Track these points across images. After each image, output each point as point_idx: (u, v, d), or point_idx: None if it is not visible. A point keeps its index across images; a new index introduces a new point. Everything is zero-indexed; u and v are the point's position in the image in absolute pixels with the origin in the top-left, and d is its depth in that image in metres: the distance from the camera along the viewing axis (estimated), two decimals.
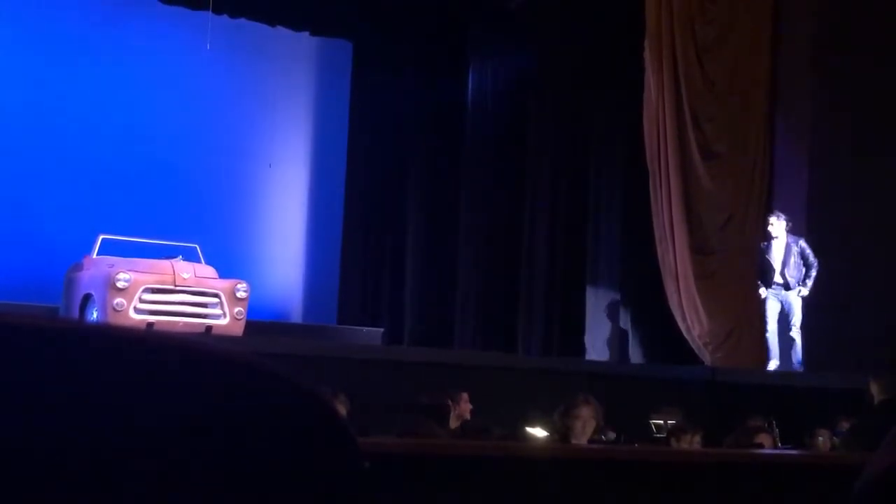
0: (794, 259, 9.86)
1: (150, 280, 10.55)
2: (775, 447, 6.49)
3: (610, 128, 13.23)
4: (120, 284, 10.26)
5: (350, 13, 14.27)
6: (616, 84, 12.88)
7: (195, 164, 14.23)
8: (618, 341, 12.55)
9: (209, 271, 11.28)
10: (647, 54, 11.64)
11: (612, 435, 6.60)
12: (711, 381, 9.79)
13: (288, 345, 10.75)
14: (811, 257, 9.89)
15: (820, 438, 7.12)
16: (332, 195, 15.07)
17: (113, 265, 10.77)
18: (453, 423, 6.90)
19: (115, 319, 10.15)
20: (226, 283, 10.97)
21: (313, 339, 12.85)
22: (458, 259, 14.41)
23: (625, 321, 12.57)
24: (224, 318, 10.76)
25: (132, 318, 10.25)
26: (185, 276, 10.75)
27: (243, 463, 0.85)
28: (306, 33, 14.80)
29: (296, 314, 14.23)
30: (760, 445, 6.13)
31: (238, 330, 10.83)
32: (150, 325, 10.18)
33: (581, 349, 12.71)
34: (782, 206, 11.19)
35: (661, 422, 7.45)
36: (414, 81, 14.61)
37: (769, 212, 11.12)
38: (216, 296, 10.79)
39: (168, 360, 0.83)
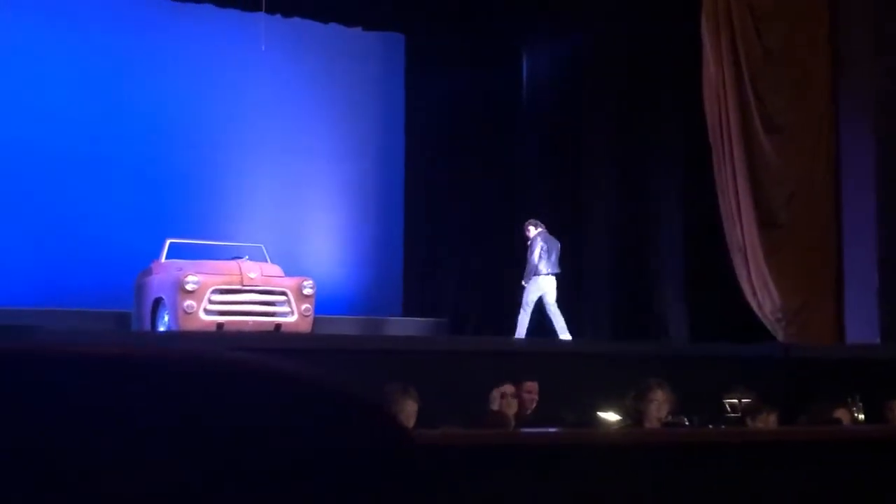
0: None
1: (219, 281, 10.64)
2: (854, 422, 6.43)
3: (668, 107, 13.04)
4: (189, 287, 10.37)
5: (401, 6, 14.33)
6: (673, 63, 12.66)
7: (256, 164, 14.39)
8: (687, 322, 12.37)
9: (275, 270, 11.34)
10: (703, 29, 11.48)
11: (684, 418, 6.53)
12: (785, 357, 9.64)
13: (356, 340, 10.90)
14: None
15: None
16: (391, 189, 15.13)
17: (181, 268, 10.88)
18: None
19: (185, 322, 10.33)
20: (292, 281, 11.02)
21: (380, 333, 13.15)
22: (519, 246, 14.39)
23: (693, 301, 12.37)
24: (292, 315, 10.83)
25: (202, 320, 10.40)
26: (252, 275, 10.84)
27: (311, 473, 0.88)
28: (359, 29, 14.84)
29: (361, 308, 14.19)
30: (839, 421, 6.07)
31: (306, 326, 10.92)
32: (219, 325, 10.49)
33: (649, 332, 12.58)
34: (851, 174, 10.96)
35: (735, 401, 7.37)
36: (468, 71, 14.48)
37: (838, 181, 10.97)
38: (283, 294, 10.87)
39: (234, 381, 0.86)
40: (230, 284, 10.68)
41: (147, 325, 10.89)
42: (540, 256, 11.56)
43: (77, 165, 13.41)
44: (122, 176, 13.64)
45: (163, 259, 11.60)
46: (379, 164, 15.13)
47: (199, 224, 13.51)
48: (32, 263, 12.95)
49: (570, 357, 9.35)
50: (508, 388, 6.83)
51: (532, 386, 7.66)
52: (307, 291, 10.95)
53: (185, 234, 12.57)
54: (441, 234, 14.61)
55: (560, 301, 11.73)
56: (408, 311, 14.62)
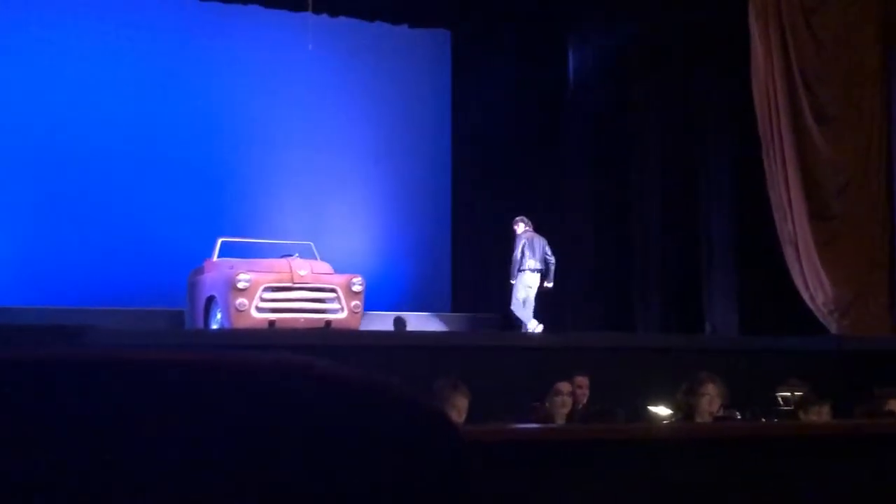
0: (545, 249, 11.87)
1: (270, 279, 10.67)
2: None
3: (717, 99, 12.89)
4: (241, 285, 10.43)
5: (447, 3, 14.38)
6: (720, 54, 12.55)
7: (304, 163, 14.42)
8: (738, 315, 12.21)
9: (325, 267, 11.40)
10: (752, 20, 11.33)
11: (736, 412, 6.49)
12: (838, 349, 9.54)
13: (406, 336, 11.16)
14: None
15: None
16: (439, 185, 15.16)
17: (233, 267, 10.94)
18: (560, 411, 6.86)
19: (237, 319, 10.39)
20: (342, 278, 11.09)
21: (430, 328, 13.10)
22: (568, 240, 14.21)
23: (745, 294, 12.22)
24: (342, 311, 10.90)
25: (254, 317, 10.45)
26: (303, 273, 10.89)
27: (355, 471, 0.89)
28: (405, 26, 14.89)
29: (411, 304, 14.19)
30: (893, 414, 5.93)
31: (356, 323, 10.99)
32: (271, 323, 10.52)
33: (701, 325, 12.48)
34: None
35: (788, 394, 7.30)
36: (515, 65, 14.43)
37: (890, 171, 10.81)
38: (333, 290, 10.94)
39: (287, 384, 0.87)
40: (281, 282, 10.71)
41: (200, 323, 10.97)
42: (523, 253, 11.81)
43: (130, 166, 13.53)
44: (175, 176, 13.77)
45: (215, 258, 11.69)
46: (426, 160, 15.16)
47: (250, 223, 13.61)
48: (87, 263, 13.07)
49: (622, 351, 9.30)
50: (565, 386, 6.81)
51: (583, 381, 7.65)
52: (356, 288, 11.01)
53: (237, 233, 12.61)
54: (489, 229, 14.64)
55: (608, 294, 11.65)
56: (457, 307, 14.67)
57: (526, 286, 11.82)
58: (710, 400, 5.89)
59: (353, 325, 10.91)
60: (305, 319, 10.65)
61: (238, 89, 14.07)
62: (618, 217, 13.64)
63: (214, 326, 10.67)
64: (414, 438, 0.92)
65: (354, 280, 11.06)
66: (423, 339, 9.73)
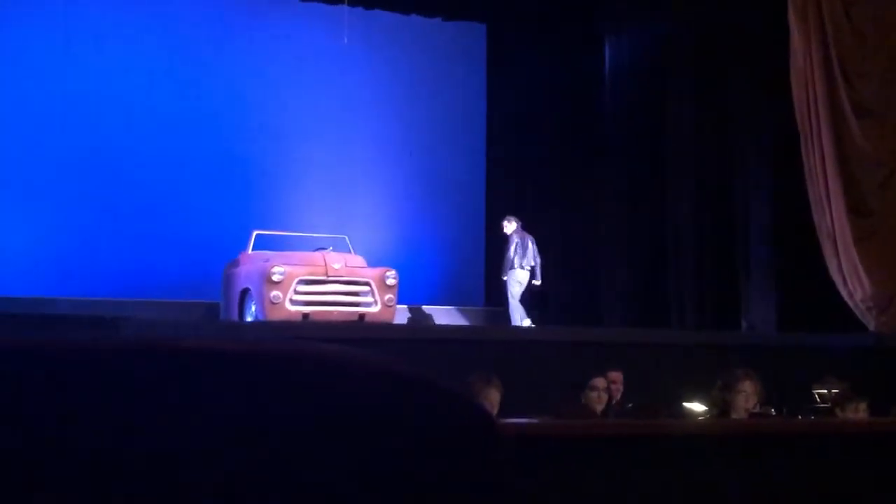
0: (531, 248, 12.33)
1: (304, 272, 10.75)
2: None
3: (754, 93, 12.77)
4: (275, 278, 10.50)
5: None
6: (758, 48, 12.40)
7: (339, 156, 14.44)
8: (775, 311, 12.09)
9: (359, 261, 11.48)
10: (791, 13, 11.17)
11: (772, 409, 6.43)
12: (876, 347, 9.48)
13: (439, 329, 11.28)
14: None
15: None
16: (473, 178, 15.18)
17: (268, 259, 11.01)
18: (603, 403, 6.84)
19: (272, 312, 10.47)
20: (375, 272, 11.15)
21: (463, 322, 13.17)
22: (603, 235, 14.24)
23: (781, 290, 12.08)
24: (375, 305, 10.95)
25: (288, 310, 10.52)
26: (337, 266, 10.97)
27: (391, 463, 0.90)
28: (439, 19, 14.90)
29: (444, 298, 14.19)
30: None
31: (389, 316, 11.03)
32: (305, 315, 10.62)
33: (737, 321, 12.40)
34: None
35: (825, 391, 7.24)
36: (549, 60, 14.39)
37: None
38: (367, 284, 11.00)
39: (313, 371, 0.89)
40: (315, 275, 10.79)
41: (234, 316, 11.03)
42: (515, 251, 12.25)
43: (166, 159, 13.60)
44: (210, 169, 13.81)
45: (249, 250, 11.77)
46: (461, 153, 15.16)
47: (284, 216, 13.66)
48: (123, 255, 13.14)
49: (656, 347, 9.25)
50: (600, 382, 6.80)
51: (617, 376, 7.56)
52: (390, 282, 11.06)
53: (272, 226, 12.68)
54: (523, 223, 14.59)
55: (643, 289, 11.54)
56: (490, 301, 14.62)
57: (517, 282, 12.25)
58: (747, 397, 5.84)
59: (386, 318, 10.96)
60: (339, 312, 10.74)
61: (273, 82, 14.11)
62: (653, 211, 13.50)
63: (249, 319, 10.73)
64: (450, 430, 0.92)
65: (388, 274, 11.11)
66: (456, 333, 9.73)
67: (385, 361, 0.91)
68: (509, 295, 12.25)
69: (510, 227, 12.48)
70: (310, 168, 14.33)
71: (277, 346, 0.88)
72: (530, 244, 12.42)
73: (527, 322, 12.01)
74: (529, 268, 12.33)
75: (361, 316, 10.87)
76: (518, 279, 12.26)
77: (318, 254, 11.27)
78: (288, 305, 10.53)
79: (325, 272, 10.87)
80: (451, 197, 15.04)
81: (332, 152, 14.44)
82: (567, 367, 7.90)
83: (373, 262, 11.66)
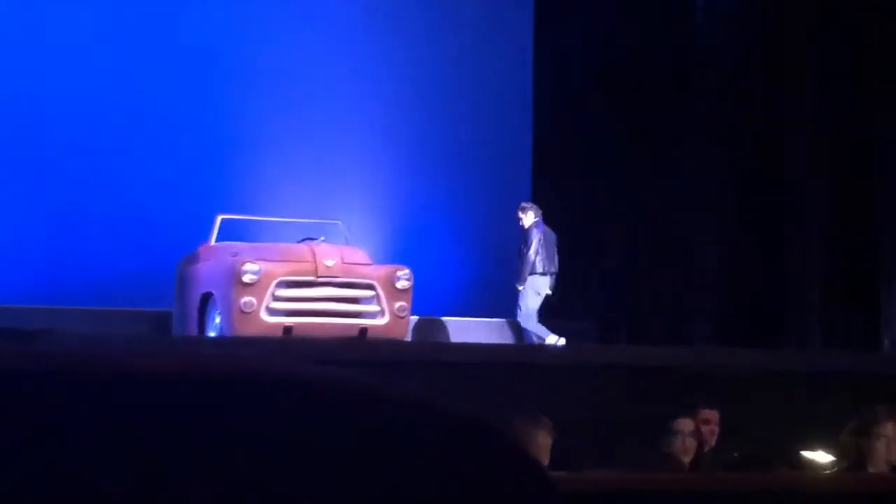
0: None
1: (286, 270, 10.78)
2: None
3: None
4: (247, 278, 10.52)
5: None
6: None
7: (332, 121, 14.68)
8: None
9: (360, 255, 11.48)
10: None
11: None
12: None
13: (467, 350, 11.04)
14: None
15: None
16: (517, 160, 15.31)
17: (237, 253, 11.00)
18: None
19: (242, 324, 10.48)
20: (382, 270, 11.17)
21: (500, 341, 13.01)
22: (691, 229, 14.36)
23: None
24: (382, 316, 10.95)
25: (265, 322, 10.54)
26: (330, 262, 10.94)
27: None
28: None
29: (476, 307, 14.24)
30: None
31: (401, 331, 11.11)
32: (287, 329, 10.65)
33: (876, 343, 12.46)
34: None
35: None
36: (614, 25, 14.73)
37: None
38: (370, 287, 11.00)
39: (351, 408, 0.99)
40: (301, 275, 10.84)
41: (192, 329, 11.13)
42: (538, 251, 12.48)
43: (101, 126, 13.77)
44: (161, 137, 14.02)
45: (213, 241, 11.75)
46: (502, 128, 15.38)
47: (258, 196, 13.76)
48: (48, 252, 13.30)
49: (766, 376, 9.26)
50: (686, 424, 6.74)
51: (711, 415, 7.50)
52: (402, 284, 11.07)
53: (241, 209, 12.73)
54: (580, 217, 14.71)
55: (749, 299, 11.41)
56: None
57: (536, 292, 12.55)
58: (888, 443, 5.79)
59: (397, 333, 11.01)
60: (332, 326, 10.79)
61: (247, 24, 14.51)
62: (760, 199, 13.65)
63: (212, 333, 10.81)
64: (497, 485, 0.98)
65: (399, 273, 11.10)
66: (491, 354, 9.86)
67: (428, 396, 0.99)
68: (526, 309, 12.53)
69: (529, 217, 12.68)
70: (294, 134, 14.49)
71: (300, 370, 1.00)
72: (553, 242, 12.70)
73: (554, 339, 12.21)
74: (552, 274, 12.63)
75: (363, 330, 10.90)
76: (538, 288, 12.56)
77: (304, 246, 11.31)
78: (264, 316, 10.57)
79: (315, 271, 10.90)
80: (489, 179, 15.19)
81: (322, 115, 14.64)
82: (639, 401, 8.04)
83: (378, 258, 11.76)
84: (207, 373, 0.98)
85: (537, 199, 14.06)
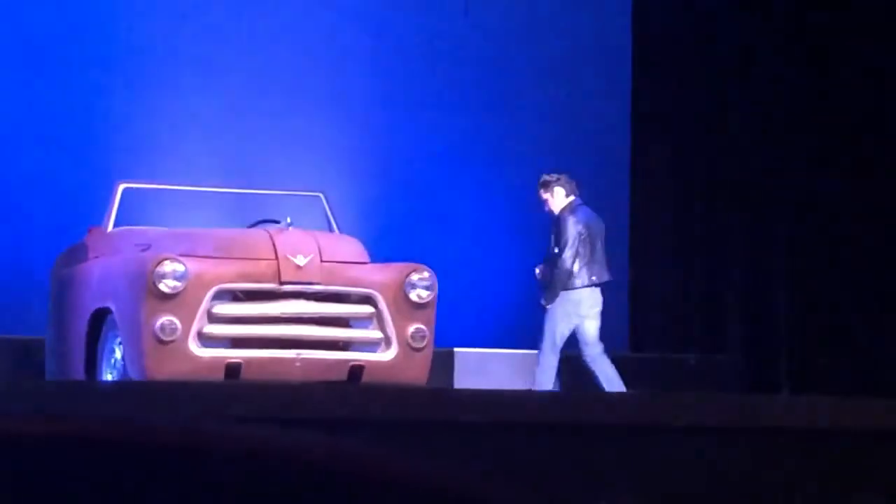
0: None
1: (230, 273, 10.88)
2: None
3: None
4: (166, 286, 10.55)
5: None
6: None
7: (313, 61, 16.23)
8: None
9: (350, 248, 11.59)
10: None
11: None
12: None
13: (523, 402, 10.63)
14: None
15: None
16: (612, 150, 16.70)
17: (149, 245, 11.28)
18: None
19: (159, 360, 10.54)
20: (387, 273, 11.28)
21: (588, 390, 13.13)
22: (840, 233, 15.31)
23: None
24: (387, 346, 11.04)
25: (195, 356, 10.60)
26: (302, 260, 10.96)
27: None
28: None
29: (515, 332, 14.65)
30: None
31: (417, 371, 11.20)
32: (232, 368, 10.71)
33: None
34: None
35: None
36: None
37: None
38: (368, 301, 11.10)
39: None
40: (254, 280, 10.95)
41: (78, 369, 11.21)
42: (577, 252, 12.82)
43: None
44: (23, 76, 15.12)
45: (110, 225, 11.77)
46: (590, 113, 16.72)
47: (179, 156, 14.74)
48: None
49: None
50: None
51: None
52: (418, 295, 11.15)
53: (155, 176, 13.27)
54: (701, 218, 15.93)
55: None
56: (643, 345, 15.79)
57: (568, 313, 12.82)
58: None
59: (409, 374, 11.09)
60: (307, 363, 10.89)
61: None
62: None
63: (109, 376, 10.91)
64: None
65: (415, 277, 11.17)
66: (546, 410, 9.71)
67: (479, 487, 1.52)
68: (548, 341, 12.83)
69: (558, 196, 12.99)
70: (240, 71, 15.84)
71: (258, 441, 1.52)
72: (601, 234, 13.11)
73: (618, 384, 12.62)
74: (598, 285, 12.93)
75: (356, 370, 10.94)
76: (572, 308, 12.87)
77: (259, 234, 11.40)
78: (194, 347, 10.60)
79: (276, 274, 10.91)
80: (552, 149, 16.05)
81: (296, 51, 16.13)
82: (805, 482, 8.60)
83: (379, 254, 11.90)
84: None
85: (634, 192, 15.62)
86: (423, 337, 11.01)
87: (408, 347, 10.94)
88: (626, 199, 16.57)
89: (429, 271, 11.24)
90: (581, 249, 12.75)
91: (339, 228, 12.20)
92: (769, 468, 9.15)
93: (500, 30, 17.20)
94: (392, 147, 16.25)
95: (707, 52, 17.06)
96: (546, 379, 12.64)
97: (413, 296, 10.99)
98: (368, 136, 16.18)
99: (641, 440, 9.00)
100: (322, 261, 10.98)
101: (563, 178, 12.98)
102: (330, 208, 12.38)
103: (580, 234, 12.76)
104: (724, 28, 17.13)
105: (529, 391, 12.29)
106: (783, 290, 15.83)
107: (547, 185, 12.90)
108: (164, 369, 10.35)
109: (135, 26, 15.76)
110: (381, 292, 10.95)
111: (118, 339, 10.72)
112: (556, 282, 12.74)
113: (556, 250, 12.76)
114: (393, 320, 10.91)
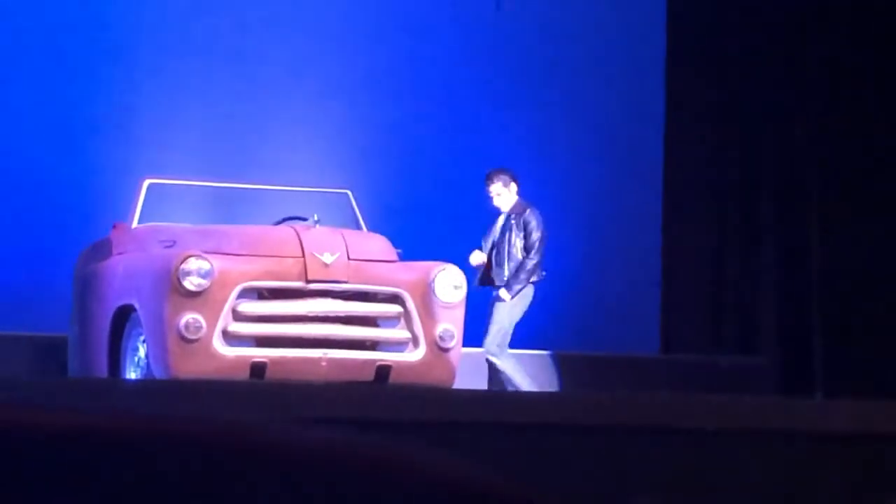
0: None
1: (255, 271, 10.88)
2: None
3: None
4: (191, 283, 10.52)
5: None
6: None
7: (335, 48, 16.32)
8: None
9: (378, 246, 11.57)
10: None
11: None
12: None
13: (559, 403, 10.91)
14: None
15: None
16: (643, 136, 16.81)
17: (174, 242, 11.29)
18: None
19: (183, 358, 10.53)
20: (416, 273, 11.26)
21: (619, 391, 13.19)
22: (876, 235, 15.17)
23: None
24: (415, 346, 11.03)
25: (220, 354, 10.60)
26: (329, 258, 10.94)
27: None
28: None
29: (574, 337, 14.85)
30: None
31: (445, 372, 11.17)
32: (257, 368, 10.72)
33: None
34: None
35: None
36: None
37: None
38: (396, 300, 11.10)
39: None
40: (280, 279, 10.92)
41: (100, 365, 11.22)
42: (541, 247, 13.25)
43: None
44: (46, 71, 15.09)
45: (135, 221, 11.80)
46: (622, 112, 16.90)
47: (206, 154, 14.79)
48: None
49: None
50: None
51: None
52: (448, 295, 11.13)
53: (181, 172, 13.23)
54: (734, 219, 15.94)
55: None
56: (673, 346, 15.80)
57: (524, 307, 13.31)
58: None
59: (437, 375, 11.07)
60: (333, 363, 10.86)
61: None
62: None
63: (133, 373, 10.91)
64: None
65: (442, 276, 11.15)
66: (594, 410, 9.51)
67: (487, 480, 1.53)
68: (502, 328, 13.04)
69: (513, 191, 13.29)
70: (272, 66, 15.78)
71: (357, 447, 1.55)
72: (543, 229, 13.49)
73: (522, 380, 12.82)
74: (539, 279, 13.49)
75: (383, 370, 10.92)
76: (527, 300, 13.29)
77: (286, 231, 11.36)
78: (219, 345, 10.57)
79: (303, 272, 10.89)
80: (601, 157, 16.46)
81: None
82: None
83: (408, 252, 11.83)
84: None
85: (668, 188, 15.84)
86: (452, 337, 11.00)
87: (436, 347, 10.94)
88: (659, 200, 16.71)
89: (458, 270, 11.27)
90: (542, 245, 13.14)
91: (366, 226, 12.25)
92: (801, 472, 9.10)
93: (531, 26, 17.20)
94: (422, 145, 16.30)
95: (742, 49, 16.97)
96: (523, 374, 12.82)
97: (441, 294, 11.00)
98: (397, 133, 16.26)
99: (671, 442, 8.98)
100: (349, 259, 10.97)
101: (506, 175, 13.27)
102: (357, 206, 12.47)
103: (543, 232, 13.13)
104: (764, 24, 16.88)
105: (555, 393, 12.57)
106: (817, 292, 15.89)
107: (505, 181, 13.08)
108: (188, 368, 10.35)
109: (162, 22, 15.79)
110: (409, 291, 10.97)
111: (142, 337, 10.75)
112: (522, 275, 12.95)
113: (524, 243, 13.00)
114: (421, 320, 10.92)
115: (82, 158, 14.41)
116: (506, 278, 12.98)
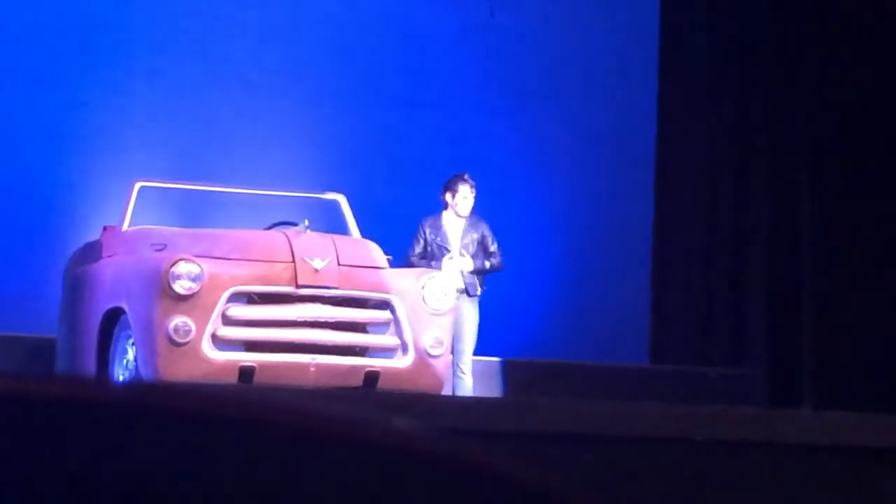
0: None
1: (245, 275, 10.88)
2: None
3: None
4: (181, 287, 10.54)
5: None
6: None
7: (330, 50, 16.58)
8: None
9: (368, 252, 11.57)
10: None
11: None
12: None
13: (548, 412, 10.33)
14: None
15: None
16: (635, 138, 17.03)
17: (164, 245, 11.26)
18: None
19: (172, 362, 10.53)
20: (406, 280, 11.33)
21: (606, 400, 12.74)
22: (867, 248, 15.26)
23: None
24: (404, 353, 11.06)
25: (208, 359, 10.59)
26: (319, 264, 10.94)
27: None
28: None
29: (563, 344, 15.06)
30: None
31: (434, 379, 11.22)
32: (245, 371, 10.72)
33: None
34: None
35: None
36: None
37: None
38: (385, 306, 11.14)
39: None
40: (270, 283, 10.96)
41: (89, 369, 11.17)
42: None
43: None
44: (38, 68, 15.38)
45: (126, 224, 11.83)
46: (615, 119, 17.32)
47: (198, 157, 14.96)
48: None
49: None
50: None
51: None
52: (439, 303, 11.18)
53: (171, 174, 13.37)
54: (724, 229, 16.11)
55: None
56: (662, 357, 15.85)
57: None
58: None
59: (426, 382, 11.08)
60: (321, 369, 10.87)
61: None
62: None
63: (122, 375, 10.93)
64: None
65: (431, 282, 11.22)
66: (596, 420, 9.46)
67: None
68: (472, 333, 13.18)
69: (467, 200, 13.31)
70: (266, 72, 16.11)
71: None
72: None
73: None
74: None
75: (371, 376, 10.93)
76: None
77: (276, 236, 11.42)
78: (207, 349, 10.60)
79: (293, 277, 10.93)
80: (586, 162, 16.90)
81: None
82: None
83: (398, 260, 12.08)
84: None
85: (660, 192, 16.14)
86: (441, 344, 11.07)
87: (425, 354, 10.97)
88: (650, 211, 16.77)
89: (448, 278, 11.47)
90: None
91: (359, 230, 12.36)
92: (789, 484, 9.09)
93: (524, 32, 17.48)
94: (414, 151, 16.44)
95: (737, 51, 17.13)
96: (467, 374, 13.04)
97: (431, 301, 11.04)
98: (390, 138, 16.43)
99: (658, 452, 8.93)
100: (339, 265, 11.03)
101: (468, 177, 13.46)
102: (349, 212, 12.57)
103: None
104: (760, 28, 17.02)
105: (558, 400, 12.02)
106: (806, 303, 15.96)
107: (472, 186, 13.20)
108: (176, 371, 10.38)
109: (154, 24, 15.97)
110: (398, 298, 11.03)
111: (131, 340, 10.75)
112: (483, 277, 13.18)
113: (483, 244, 13.12)
114: (410, 327, 10.97)
115: (73, 160, 14.54)
116: (476, 281, 13.12)
